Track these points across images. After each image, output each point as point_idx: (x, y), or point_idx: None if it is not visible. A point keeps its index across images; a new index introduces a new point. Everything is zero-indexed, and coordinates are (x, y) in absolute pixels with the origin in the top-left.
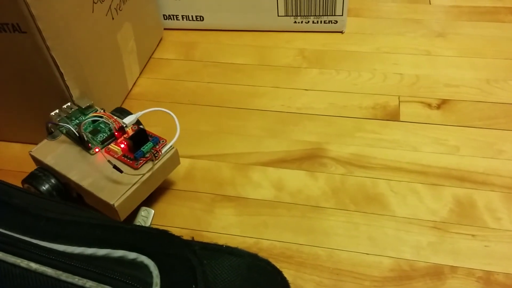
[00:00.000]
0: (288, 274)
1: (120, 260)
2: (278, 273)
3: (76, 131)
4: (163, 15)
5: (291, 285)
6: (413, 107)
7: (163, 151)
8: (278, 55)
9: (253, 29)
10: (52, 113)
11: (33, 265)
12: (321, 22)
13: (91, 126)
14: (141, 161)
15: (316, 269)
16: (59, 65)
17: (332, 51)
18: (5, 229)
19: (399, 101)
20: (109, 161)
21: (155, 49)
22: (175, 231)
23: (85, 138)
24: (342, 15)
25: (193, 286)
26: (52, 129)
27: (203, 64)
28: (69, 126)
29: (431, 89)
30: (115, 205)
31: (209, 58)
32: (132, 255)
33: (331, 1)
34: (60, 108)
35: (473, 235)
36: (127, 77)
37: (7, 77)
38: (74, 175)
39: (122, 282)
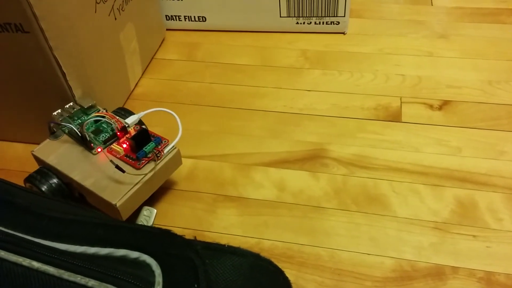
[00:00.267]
0: (289, 274)
1: (123, 259)
2: (280, 273)
3: (79, 131)
4: (166, 15)
5: (292, 285)
6: (415, 108)
7: (165, 151)
8: (280, 55)
9: (256, 29)
10: (55, 113)
11: (35, 264)
12: (323, 23)
13: (93, 126)
14: (143, 161)
15: (317, 269)
16: (61, 65)
17: (334, 52)
18: (8, 228)
19: (401, 102)
20: (111, 161)
21: (158, 49)
22: (177, 231)
23: (87, 138)
24: (344, 16)
25: (195, 285)
26: (54, 129)
27: (205, 64)
28: (72, 126)
29: (433, 90)
30: (117, 205)
31: (211, 59)
32: (134, 254)
33: (333, 2)
34: (62, 108)
35: (474, 236)
36: (130, 77)
37: (9, 77)
38: (76, 175)
39: (125, 281)
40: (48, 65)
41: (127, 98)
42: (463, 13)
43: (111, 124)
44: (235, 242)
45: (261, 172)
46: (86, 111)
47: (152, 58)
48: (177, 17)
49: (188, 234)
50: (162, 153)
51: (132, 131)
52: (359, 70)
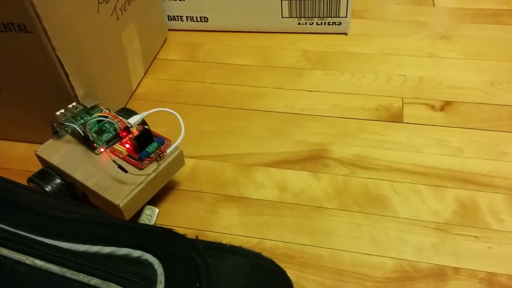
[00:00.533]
0: (290, 274)
1: (125, 258)
2: (282, 272)
3: (82, 131)
4: (168, 16)
5: (294, 285)
6: (416, 108)
7: (167, 152)
8: (281, 56)
9: (257, 30)
10: (58, 113)
11: (38, 262)
12: (325, 23)
13: (96, 126)
14: (146, 162)
15: (318, 269)
16: (64, 65)
17: (336, 53)
18: (11, 227)
19: (403, 103)
20: (114, 161)
21: (160, 49)
22: (179, 231)
23: (90, 138)
24: (346, 17)
25: (197, 284)
26: (57, 129)
27: (207, 65)
28: (75, 126)
29: (434, 90)
30: (120, 205)
31: (213, 59)
32: (136, 253)
33: (335, 2)
34: (65, 107)
35: (476, 237)
36: (132, 78)
37: (12, 77)
38: (79, 175)
39: (127, 279)
40: (51, 64)
41: (129, 98)
42: (465, 14)
43: (114, 124)
44: (236, 242)
45: (263, 172)
46: (89, 111)
47: (154, 58)
48: (179, 18)
49: (190, 234)
50: (165, 154)
51: (135, 131)
52: (361, 70)
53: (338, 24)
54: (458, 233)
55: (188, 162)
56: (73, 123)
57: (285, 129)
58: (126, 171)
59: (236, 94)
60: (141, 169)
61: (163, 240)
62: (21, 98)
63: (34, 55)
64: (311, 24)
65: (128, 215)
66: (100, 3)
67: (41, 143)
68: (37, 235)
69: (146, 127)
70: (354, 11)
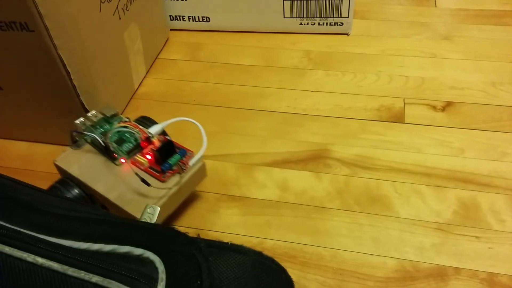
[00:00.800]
0: (292, 273)
1: (126, 256)
2: (283, 271)
3: (102, 141)
4: (170, 15)
5: (295, 284)
6: (418, 109)
7: (190, 164)
8: (283, 56)
9: (259, 30)
10: (77, 121)
11: (40, 260)
12: (327, 24)
13: (116, 135)
14: (168, 174)
15: (319, 269)
16: (66, 64)
17: (338, 53)
18: (12, 224)
19: (404, 103)
20: (137, 174)
21: (161, 49)
22: (180, 230)
23: (111, 149)
24: (348, 17)
25: (198, 282)
26: (76, 138)
27: (209, 65)
28: (95, 136)
29: (436, 91)
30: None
31: (215, 59)
32: (138, 251)
33: (337, 3)
34: (84, 116)
35: (477, 237)
36: (134, 77)
37: (13, 75)
38: (100, 187)
39: (128, 277)
40: (53, 63)
41: (131, 98)
42: (467, 15)
43: (134, 134)
44: (237, 241)
45: (264, 172)
46: (108, 119)
47: (156, 58)
48: (181, 17)
49: (191, 233)
50: (187, 166)
51: (156, 142)
52: (363, 71)
53: (340, 25)
54: (459, 233)
55: None
56: (93, 132)
57: (287, 129)
58: (149, 185)
59: (238, 94)
60: (163, 181)
61: (165, 238)
62: (22, 97)
63: (36, 53)
64: (313, 25)
65: None
66: (102, 3)
67: (41, 142)
68: (38, 232)
69: (168, 137)
70: (356, 12)
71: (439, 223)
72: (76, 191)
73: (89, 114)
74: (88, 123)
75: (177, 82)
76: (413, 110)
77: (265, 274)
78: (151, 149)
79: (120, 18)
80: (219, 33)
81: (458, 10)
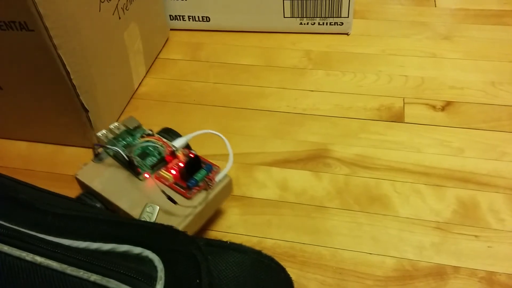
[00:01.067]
0: (291, 273)
1: (125, 255)
2: (282, 270)
3: (126, 155)
4: (170, 15)
5: (294, 284)
6: (417, 108)
7: (216, 180)
8: (284, 56)
9: (259, 30)
10: (99, 134)
11: (39, 259)
12: (327, 23)
13: (140, 148)
14: (194, 191)
15: (319, 268)
16: (65, 63)
17: (338, 53)
18: (11, 224)
19: (404, 103)
20: (163, 191)
21: (161, 49)
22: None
23: (135, 163)
24: (348, 17)
25: (197, 281)
26: (98, 151)
27: (209, 64)
28: (118, 149)
29: (436, 91)
30: None
31: (215, 59)
32: (137, 249)
33: (337, 3)
34: (107, 128)
35: (476, 236)
36: (133, 77)
37: (13, 75)
38: (123, 203)
39: (127, 276)
40: (52, 63)
41: (131, 98)
42: (466, 15)
43: (158, 147)
44: (237, 240)
45: (264, 171)
46: (131, 132)
47: (156, 57)
48: (181, 17)
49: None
50: (214, 182)
51: (180, 156)
52: (362, 70)
53: (340, 24)
54: (458, 232)
55: None
56: (116, 146)
57: (287, 129)
58: (175, 203)
59: (238, 94)
60: (188, 198)
61: (164, 237)
62: (22, 97)
63: (36, 53)
64: (313, 24)
65: None
66: (102, 2)
67: (41, 142)
68: (38, 232)
69: (193, 151)
70: (356, 12)
71: (439, 222)
72: (97, 205)
73: (112, 126)
74: (111, 135)
75: (177, 82)
76: (413, 109)
77: (264, 273)
78: (176, 163)
79: (120, 18)
80: (219, 33)
81: (458, 10)
